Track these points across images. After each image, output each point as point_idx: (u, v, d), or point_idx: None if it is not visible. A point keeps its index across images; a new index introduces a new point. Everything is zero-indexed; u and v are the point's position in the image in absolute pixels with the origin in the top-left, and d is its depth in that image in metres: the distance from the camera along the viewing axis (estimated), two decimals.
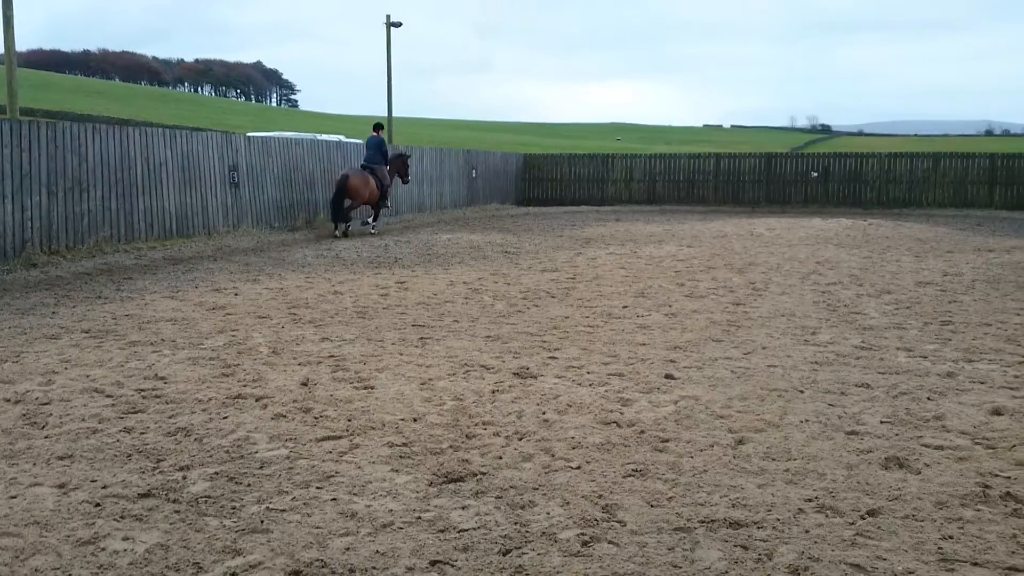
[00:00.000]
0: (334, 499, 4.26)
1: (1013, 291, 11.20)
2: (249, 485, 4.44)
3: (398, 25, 37.17)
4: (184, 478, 4.52)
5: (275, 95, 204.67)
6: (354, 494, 4.32)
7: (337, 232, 18.97)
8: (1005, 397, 6.10)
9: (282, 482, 4.48)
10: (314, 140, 22.49)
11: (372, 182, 19.33)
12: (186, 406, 5.85)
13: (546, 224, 23.89)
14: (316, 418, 5.61)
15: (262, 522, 3.98)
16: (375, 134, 19.99)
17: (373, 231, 19.98)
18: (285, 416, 5.63)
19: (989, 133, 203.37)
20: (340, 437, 5.23)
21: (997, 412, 5.73)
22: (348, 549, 3.71)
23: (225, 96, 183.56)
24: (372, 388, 6.35)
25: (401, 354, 7.50)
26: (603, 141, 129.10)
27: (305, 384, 6.44)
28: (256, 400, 6.01)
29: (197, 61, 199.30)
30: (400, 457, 4.87)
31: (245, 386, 6.38)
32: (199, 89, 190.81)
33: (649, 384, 6.50)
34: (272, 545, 3.74)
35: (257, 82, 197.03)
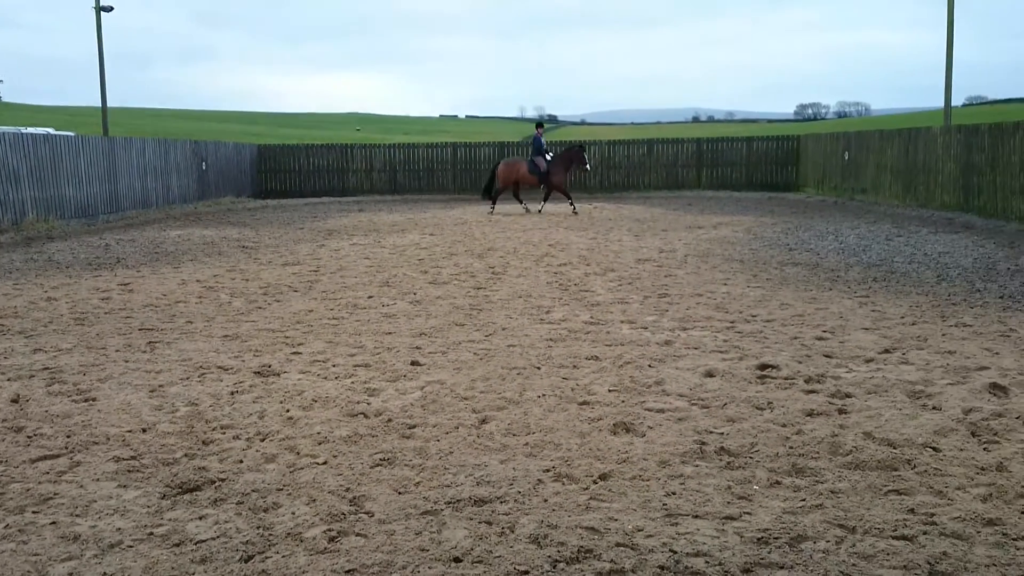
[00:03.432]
0: (54, 523, 3.89)
1: (720, 263, 12.41)
2: None
3: (109, 10, 34.36)
4: None
5: None
6: (76, 515, 3.97)
7: (490, 209, 23.15)
8: (716, 360, 6.75)
9: None
10: (18, 134, 20.27)
11: (521, 168, 23.10)
12: None
13: (286, 216, 23.20)
14: (30, 437, 5.09)
15: None
16: (537, 132, 23.73)
17: (534, 210, 23.48)
18: None
19: (696, 120, 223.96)
20: (58, 455, 4.78)
21: (710, 374, 6.33)
22: (71, 575, 3.40)
23: None
24: (94, 400, 5.86)
25: (127, 361, 6.99)
26: (342, 131, 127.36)
27: (15, 401, 5.83)
28: None
29: None
30: (128, 471, 4.53)
31: None
32: None
33: (396, 372, 6.52)
34: None
35: None
